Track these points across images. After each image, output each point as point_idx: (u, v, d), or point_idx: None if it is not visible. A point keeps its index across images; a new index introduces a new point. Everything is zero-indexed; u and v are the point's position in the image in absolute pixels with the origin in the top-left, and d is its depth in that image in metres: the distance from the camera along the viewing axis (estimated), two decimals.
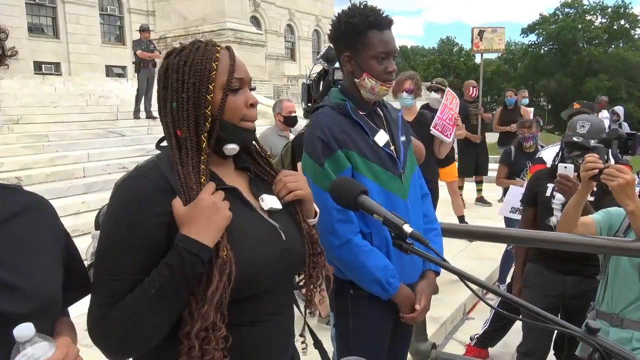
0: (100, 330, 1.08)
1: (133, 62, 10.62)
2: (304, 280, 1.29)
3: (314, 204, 1.35)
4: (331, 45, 2.13)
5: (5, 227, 1.04)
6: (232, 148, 1.20)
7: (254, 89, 1.27)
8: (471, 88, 8.54)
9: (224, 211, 1.08)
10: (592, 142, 2.55)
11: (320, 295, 1.32)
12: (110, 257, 1.09)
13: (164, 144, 1.22)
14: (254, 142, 1.29)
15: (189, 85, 1.15)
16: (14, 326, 0.90)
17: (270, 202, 1.23)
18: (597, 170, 2.09)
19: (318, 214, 1.36)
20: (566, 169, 2.50)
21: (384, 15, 1.79)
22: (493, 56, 39.00)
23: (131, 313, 1.05)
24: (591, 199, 2.58)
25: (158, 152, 1.23)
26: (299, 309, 1.35)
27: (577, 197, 2.22)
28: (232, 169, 1.26)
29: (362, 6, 1.80)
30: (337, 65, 2.23)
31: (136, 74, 10.62)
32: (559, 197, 2.73)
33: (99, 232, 1.35)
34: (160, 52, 11.46)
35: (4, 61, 1.07)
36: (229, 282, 1.06)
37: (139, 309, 1.04)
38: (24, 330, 0.87)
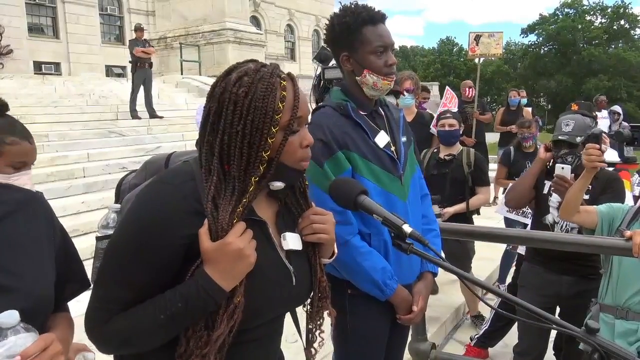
0: (101, 333, 1.08)
1: (130, 62, 10.58)
2: (305, 321, 1.29)
3: (334, 246, 1.30)
4: (324, 46, 2.12)
5: None
6: (278, 186, 1.14)
7: (310, 123, 1.18)
8: (467, 89, 8.53)
9: (248, 258, 1.04)
10: (578, 139, 2.57)
11: (320, 337, 1.29)
12: (123, 264, 1.07)
13: None
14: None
15: (247, 122, 1.03)
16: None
17: (291, 242, 1.18)
18: (600, 164, 2.22)
19: (335, 255, 1.31)
20: (563, 170, 2.51)
21: (376, 10, 1.79)
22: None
23: (136, 327, 1.05)
24: (586, 197, 2.59)
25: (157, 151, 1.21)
26: (301, 338, 1.32)
27: (582, 180, 2.29)
28: (265, 193, 1.18)
29: (353, 5, 1.80)
30: (330, 64, 2.21)
31: (132, 73, 10.59)
32: (555, 196, 2.73)
33: (116, 205, 1.37)
34: (155, 50, 11.39)
35: None
36: (233, 326, 1.05)
37: (146, 326, 1.05)
38: (8, 317, 0.88)
